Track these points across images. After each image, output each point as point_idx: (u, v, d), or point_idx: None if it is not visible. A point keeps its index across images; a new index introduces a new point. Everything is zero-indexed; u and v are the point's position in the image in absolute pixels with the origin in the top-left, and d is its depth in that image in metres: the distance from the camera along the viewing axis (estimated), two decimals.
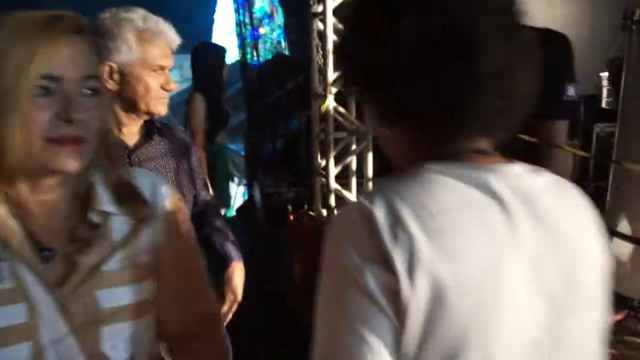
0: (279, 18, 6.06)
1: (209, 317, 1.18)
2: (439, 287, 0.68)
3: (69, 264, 0.91)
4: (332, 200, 3.70)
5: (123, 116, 1.55)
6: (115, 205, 0.97)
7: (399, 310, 0.68)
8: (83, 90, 0.89)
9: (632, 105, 2.26)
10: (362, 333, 0.69)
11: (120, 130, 1.55)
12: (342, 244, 0.72)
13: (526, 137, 1.52)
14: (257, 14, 6.13)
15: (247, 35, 5.86)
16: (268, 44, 6.10)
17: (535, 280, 0.75)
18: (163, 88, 1.54)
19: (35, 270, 0.88)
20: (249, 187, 5.45)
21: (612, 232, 2.22)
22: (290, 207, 4.00)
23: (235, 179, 6.92)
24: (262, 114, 5.25)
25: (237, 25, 5.98)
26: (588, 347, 0.83)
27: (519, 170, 0.80)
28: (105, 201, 0.97)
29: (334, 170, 3.68)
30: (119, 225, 0.97)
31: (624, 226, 2.19)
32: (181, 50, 2.55)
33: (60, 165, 0.88)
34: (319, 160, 3.76)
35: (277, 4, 6.11)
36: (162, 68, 1.54)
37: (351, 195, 3.77)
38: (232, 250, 1.83)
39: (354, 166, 3.79)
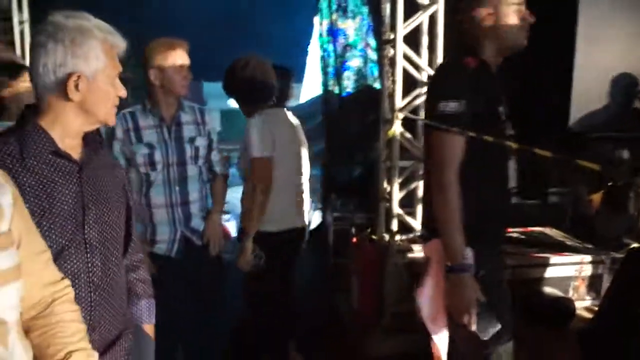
0: (373, 51, 6.17)
1: (60, 281, 1.27)
2: None
3: None
4: (395, 225, 3.71)
5: (78, 127, 1.51)
6: None
7: None
8: None
9: None
10: None
11: (63, 142, 1.48)
12: None
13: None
14: (349, 47, 6.28)
15: (331, 68, 6.03)
16: (356, 76, 6.23)
17: None
18: (117, 96, 1.52)
19: None
20: (323, 212, 5.55)
21: None
22: (353, 231, 4.04)
23: (312, 204, 7.03)
24: (341, 142, 5.37)
25: (321, 59, 6.17)
26: None
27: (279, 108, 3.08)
28: None
29: (397, 196, 3.70)
30: None
31: None
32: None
33: None
34: (385, 186, 3.79)
35: (371, 36, 6.23)
36: (117, 76, 1.51)
37: (415, 222, 3.77)
38: (144, 309, 1.85)
39: (419, 193, 3.78)
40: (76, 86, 1.42)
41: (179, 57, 2.60)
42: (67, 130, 1.48)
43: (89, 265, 1.50)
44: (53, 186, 1.45)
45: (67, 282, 1.29)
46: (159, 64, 2.57)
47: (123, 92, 1.52)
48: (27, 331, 1.19)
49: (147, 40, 2.63)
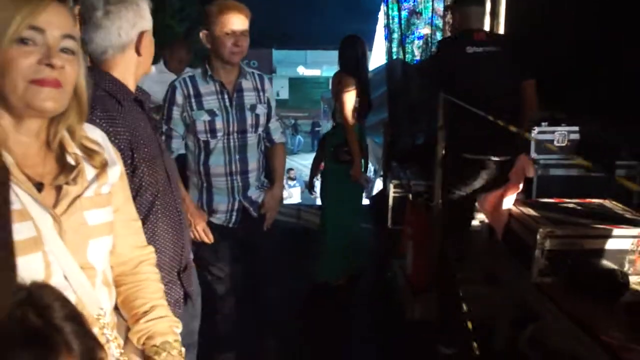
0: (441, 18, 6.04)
1: (147, 246, 1.45)
2: None
3: (58, 193, 1.13)
4: None
5: (139, 76, 1.72)
6: (82, 152, 1.20)
7: None
8: (62, 45, 1.07)
9: None
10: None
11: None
12: None
13: None
14: (417, 14, 6.16)
15: (397, 35, 5.96)
16: (424, 44, 6.13)
17: None
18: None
19: (33, 195, 1.07)
20: (384, 179, 5.59)
21: None
22: (410, 197, 4.07)
23: (374, 171, 7.04)
24: (403, 111, 5.36)
25: (386, 26, 6.11)
26: None
27: None
28: (75, 148, 1.19)
29: None
30: (88, 167, 1.21)
31: None
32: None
33: (41, 104, 1.06)
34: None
35: (440, 3, 6.08)
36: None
37: None
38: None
39: None
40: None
41: (231, 22, 2.44)
42: (133, 80, 1.69)
43: (175, 195, 1.76)
44: (143, 127, 1.66)
45: (152, 248, 1.47)
46: (210, 27, 2.46)
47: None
48: (117, 284, 1.36)
49: None
